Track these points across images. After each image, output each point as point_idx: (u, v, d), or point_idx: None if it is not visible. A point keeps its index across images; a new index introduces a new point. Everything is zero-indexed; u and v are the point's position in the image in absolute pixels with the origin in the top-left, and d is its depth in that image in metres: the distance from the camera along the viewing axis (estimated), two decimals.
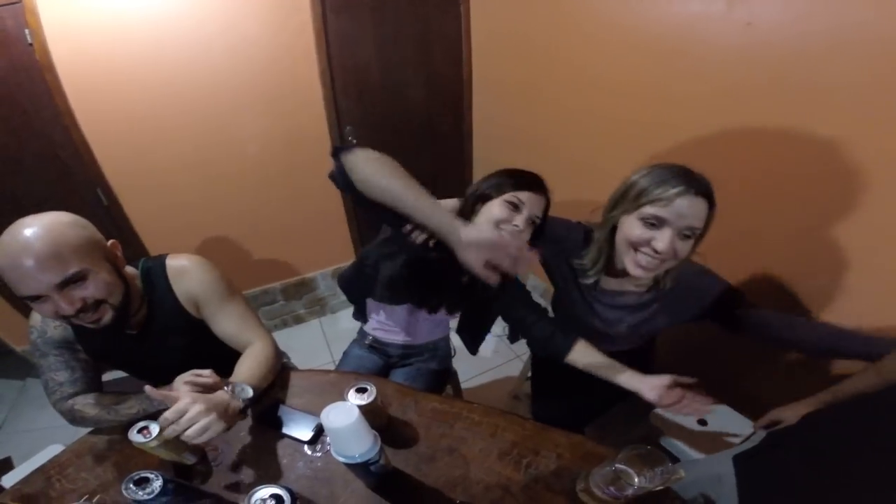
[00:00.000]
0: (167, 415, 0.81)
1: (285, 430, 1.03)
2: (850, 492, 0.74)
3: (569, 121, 1.90)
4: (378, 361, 1.58)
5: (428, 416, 1.07)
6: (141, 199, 2.04)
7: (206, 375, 1.01)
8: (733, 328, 1.04)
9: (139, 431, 0.85)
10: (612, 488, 0.78)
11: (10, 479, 1.61)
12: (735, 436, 1.40)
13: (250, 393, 0.97)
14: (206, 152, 2.05)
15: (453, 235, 0.84)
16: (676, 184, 0.90)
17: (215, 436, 0.84)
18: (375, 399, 0.94)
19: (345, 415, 0.72)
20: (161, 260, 1.14)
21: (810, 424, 0.93)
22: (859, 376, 0.93)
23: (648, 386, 1.03)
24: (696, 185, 0.90)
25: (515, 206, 1.06)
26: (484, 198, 1.10)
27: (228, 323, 1.15)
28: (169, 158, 1.99)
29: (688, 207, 0.89)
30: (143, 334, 1.11)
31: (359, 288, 1.49)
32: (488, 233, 0.83)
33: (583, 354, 1.15)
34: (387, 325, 1.55)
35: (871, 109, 1.03)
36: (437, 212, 0.87)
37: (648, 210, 0.93)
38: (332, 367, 2.45)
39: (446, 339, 1.67)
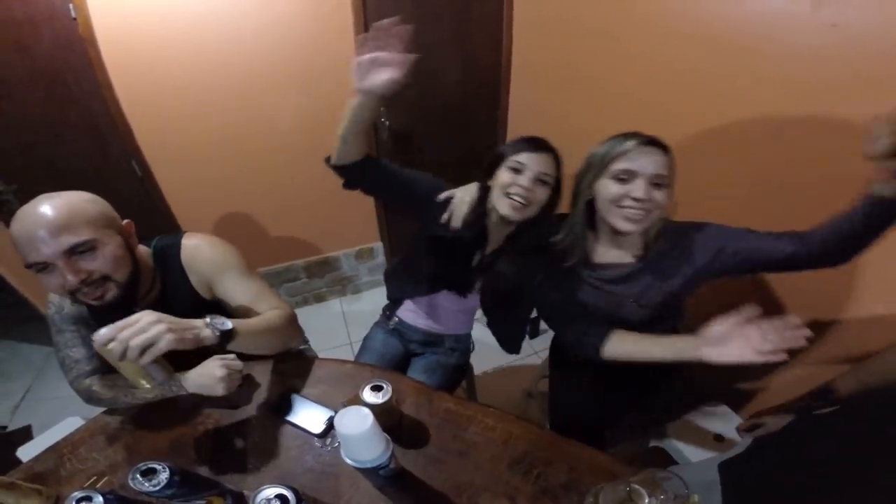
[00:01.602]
0: (105, 330, 0.74)
1: (297, 421, 1.03)
2: (833, 499, 0.74)
3: (613, 113, 1.81)
4: (399, 348, 1.58)
5: (441, 416, 1.05)
6: (173, 172, 2.06)
7: (234, 360, 1.02)
8: (734, 267, 1.04)
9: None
10: None
11: (26, 451, 1.64)
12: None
13: (229, 325, 0.88)
14: (238, 129, 2.05)
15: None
16: (630, 138, 1.00)
17: (157, 354, 0.74)
18: (390, 399, 0.92)
19: (359, 421, 0.71)
20: (177, 239, 1.12)
21: (793, 432, 0.92)
22: (840, 380, 0.97)
23: (703, 342, 0.89)
24: (648, 137, 1.00)
25: (517, 170, 1.13)
26: (490, 170, 1.19)
27: (242, 298, 1.11)
28: (202, 133, 2.00)
29: (648, 156, 0.98)
30: None
31: (402, 283, 1.52)
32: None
33: (619, 343, 1.09)
34: (416, 310, 1.55)
35: None
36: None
37: (616, 167, 1.00)
38: (349, 349, 2.49)
39: (468, 335, 1.65)
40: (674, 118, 1.53)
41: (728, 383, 1.60)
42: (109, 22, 1.65)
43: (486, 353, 1.91)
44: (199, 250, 1.11)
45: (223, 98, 1.95)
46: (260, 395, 1.11)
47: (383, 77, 0.97)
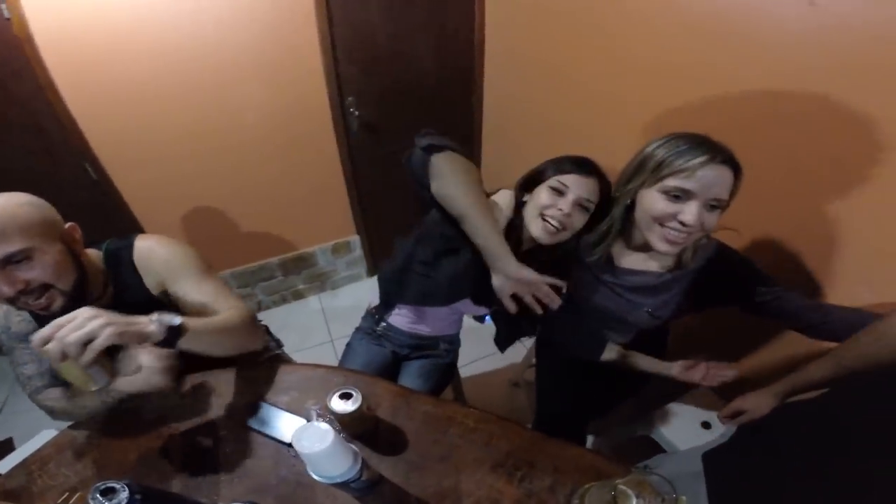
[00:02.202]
0: (45, 328, 0.69)
1: (267, 430, 0.99)
2: (817, 489, 0.73)
3: (591, 100, 1.76)
4: (387, 355, 1.49)
5: (419, 419, 1.01)
6: (132, 173, 1.95)
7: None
8: (758, 309, 1.03)
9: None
10: None
11: (7, 464, 1.58)
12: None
13: (177, 321, 0.83)
14: (200, 124, 1.95)
15: (500, 263, 0.98)
16: (700, 153, 0.85)
17: (98, 349, 0.70)
18: (361, 406, 0.87)
19: (318, 438, 0.65)
20: (129, 241, 1.07)
21: (775, 421, 0.91)
22: (817, 365, 0.93)
23: (677, 367, 1.13)
24: (721, 153, 0.86)
25: (559, 192, 1.04)
26: (529, 185, 1.10)
27: (199, 298, 1.05)
28: (161, 131, 1.90)
29: (713, 178, 0.85)
30: None
31: (401, 288, 1.34)
32: (531, 275, 0.94)
33: (610, 354, 1.21)
34: (408, 315, 1.45)
35: None
36: (493, 238, 0.99)
37: (671, 182, 0.88)
38: (331, 346, 2.44)
39: (458, 334, 1.60)
40: (653, 106, 1.49)
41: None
42: (48, 19, 1.54)
43: (469, 346, 1.87)
44: (153, 252, 1.06)
45: (182, 93, 1.85)
46: (228, 405, 1.06)
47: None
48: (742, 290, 1.02)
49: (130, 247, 1.06)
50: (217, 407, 1.06)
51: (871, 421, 0.70)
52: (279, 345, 1.57)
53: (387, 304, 1.46)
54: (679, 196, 0.88)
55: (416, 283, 1.28)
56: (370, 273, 2.87)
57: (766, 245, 1.29)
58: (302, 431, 0.66)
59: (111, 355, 0.74)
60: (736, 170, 0.88)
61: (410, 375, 1.46)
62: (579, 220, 1.06)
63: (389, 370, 1.47)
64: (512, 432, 0.96)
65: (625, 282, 1.10)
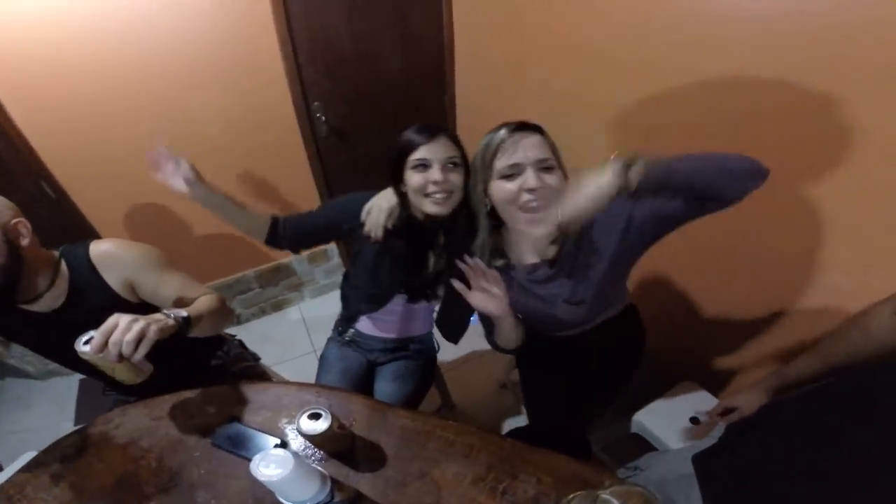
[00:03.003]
0: (96, 337, 0.80)
1: (241, 452, 0.96)
2: (810, 488, 0.72)
3: (563, 97, 1.73)
4: (361, 359, 1.49)
5: (397, 435, 0.98)
6: (93, 190, 1.88)
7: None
8: (654, 233, 0.97)
9: (86, 343, 0.82)
10: None
11: None
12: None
13: (184, 314, 0.96)
14: (161, 132, 1.86)
15: None
16: (499, 129, 0.95)
17: (152, 343, 0.83)
18: (331, 426, 0.83)
19: (277, 465, 0.62)
20: (84, 246, 1.09)
21: (766, 421, 0.88)
22: (804, 360, 0.93)
23: None
24: (516, 123, 0.96)
25: (423, 166, 1.08)
26: (397, 176, 1.14)
27: (171, 291, 1.11)
28: (117, 145, 1.82)
29: (525, 143, 0.93)
30: (59, 317, 1.06)
31: (352, 299, 1.46)
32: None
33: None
34: (372, 319, 1.46)
35: None
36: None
37: (500, 164, 0.94)
38: (314, 356, 2.39)
39: (430, 335, 1.58)
40: (621, 100, 1.48)
41: (699, 364, 1.57)
42: None
43: (452, 350, 1.85)
44: (113, 252, 1.09)
45: (141, 104, 1.78)
46: (201, 426, 1.04)
47: (180, 178, 1.14)
48: (622, 231, 0.97)
49: (85, 249, 1.07)
50: (190, 428, 1.03)
51: (862, 418, 0.68)
52: (255, 358, 1.53)
53: (349, 318, 1.49)
54: (512, 173, 0.94)
55: (358, 294, 1.40)
56: None
57: (742, 235, 1.28)
58: (259, 460, 0.62)
59: None
60: (538, 130, 0.97)
61: (385, 379, 1.44)
62: (457, 177, 1.09)
63: (366, 376, 1.47)
64: (492, 444, 0.93)
65: (531, 277, 1.09)
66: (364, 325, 1.48)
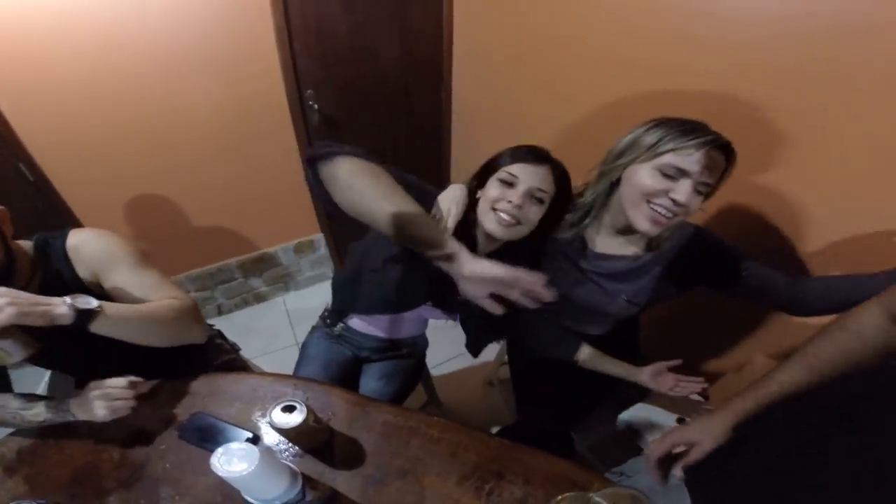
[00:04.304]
0: None
1: (210, 445, 0.90)
2: (801, 495, 0.67)
3: (563, 92, 1.70)
4: (347, 355, 1.41)
5: (378, 430, 0.93)
6: (74, 174, 1.80)
7: (120, 385, 0.94)
8: (734, 288, 1.00)
9: None
10: None
11: None
12: None
13: (93, 304, 0.83)
14: (149, 121, 1.81)
15: (455, 263, 0.77)
16: (701, 134, 0.85)
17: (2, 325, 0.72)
18: (306, 419, 0.78)
19: (240, 460, 0.56)
20: (63, 232, 1.02)
21: (755, 428, 0.80)
22: (786, 371, 0.77)
23: (648, 374, 1.10)
24: (720, 138, 0.86)
25: (509, 183, 0.97)
26: (482, 179, 1.03)
27: (134, 289, 1.01)
28: (105, 128, 1.75)
29: (710, 160, 0.85)
30: None
31: (354, 297, 1.29)
32: (496, 270, 0.74)
33: (583, 354, 1.16)
34: (367, 319, 1.37)
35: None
36: (433, 236, 0.80)
37: (668, 159, 0.87)
38: (296, 349, 2.30)
39: (424, 335, 1.52)
40: (620, 96, 1.45)
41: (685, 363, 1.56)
42: None
43: (441, 345, 1.80)
44: (87, 242, 1.01)
45: (128, 88, 1.71)
46: (168, 417, 0.99)
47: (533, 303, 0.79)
48: (719, 268, 1.00)
49: (64, 237, 1.01)
50: (156, 419, 0.98)
51: (852, 425, 0.64)
52: (235, 349, 1.46)
53: (339, 312, 1.40)
54: (673, 175, 0.87)
55: (366, 293, 1.23)
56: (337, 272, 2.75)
57: (734, 230, 1.25)
58: (221, 454, 0.57)
59: (32, 334, 0.78)
60: (729, 157, 0.88)
61: (372, 377, 1.37)
62: (534, 213, 0.98)
63: (350, 372, 1.39)
64: (479, 441, 0.89)
65: (600, 268, 1.06)
66: (357, 321, 1.39)
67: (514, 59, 1.87)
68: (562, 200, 1.02)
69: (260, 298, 2.63)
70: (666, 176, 0.87)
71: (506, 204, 0.95)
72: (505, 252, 1.07)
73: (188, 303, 1.03)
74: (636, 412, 1.43)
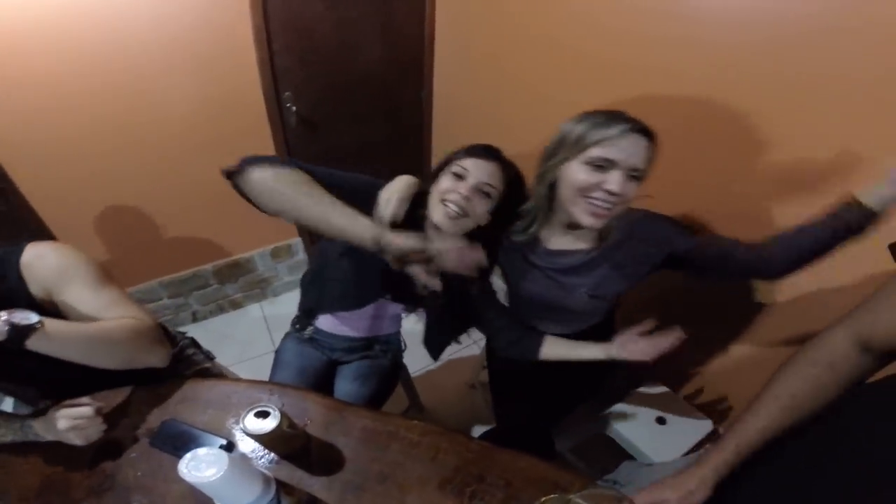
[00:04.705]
0: None
1: (182, 453, 0.83)
2: None
3: (543, 94, 1.72)
4: (321, 357, 1.40)
5: (357, 435, 0.91)
6: (40, 174, 1.73)
7: (84, 403, 0.90)
8: (693, 262, 1.01)
9: None
10: None
11: None
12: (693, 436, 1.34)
13: (32, 320, 0.77)
14: (120, 118, 1.75)
15: (382, 243, 0.88)
16: (620, 122, 0.87)
17: None
18: (280, 425, 0.76)
19: (209, 466, 0.54)
20: (19, 247, 0.94)
21: (755, 456, 0.75)
22: (762, 418, 0.72)
23: (617, 345, 1.05)
24: (638, 124, 0.88)
25: (459, 176, 1.01)
26: (437, 173, 1.07)
27: (88, 308, 0.94)
28: (73, 126, 1.69)
29: (633, 146, 0.87)
30: None
31: (319, 295, 1.33)
32: (411, 241, 0.85)
33: (551, 348, 1.13)
34: (339, 315, 1.37)
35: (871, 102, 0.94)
36: (351, 223, 0.91)
37: (595, 152, 0.88)
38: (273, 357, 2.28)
39: (398, 334, 1.51)
40: (600, 98, 1.46)
41: (664, 365, 1.58)
42: None
43: (420, 350, 1.78)
44: (42, 258, 0.93)
45: (98, 84, 1.65)
46: (139, 425, 0.96)
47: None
48: (673, 246, 1.00)
49: (19, 252, 0.93)
50: (126, 427, 0.95)
51: (851, 441, 0.63)
52: (209, 357, 1.42)
53: (308, 312, 1.40)
54: (602, 166, 0.88)
55: (328, 289, 1.28)
56: None
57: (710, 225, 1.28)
58: (189, 460, 0.55)
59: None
60: (651, 140, 0.90)
61: (346, 379, 1.36)
62: (481, 206, 1.02)
63: (325, 375, 1.39)
64: (459, 444, 0.88)
65: (556, 264, 1.06)
66: (326, 322, 1.39)
67: (494, 59, 1.88)
68: (512, 200, 1.06)
69: (236, 305, 2.57)
70: (596, 168, 0.89)
71: (455, 195, 0.99)
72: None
73: (147, 323, 0.97)
74: (616, 416, 1.44)
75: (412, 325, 1.44)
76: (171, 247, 2.18)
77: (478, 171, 1.00)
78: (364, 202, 1.06)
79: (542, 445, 1.33)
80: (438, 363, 2.19)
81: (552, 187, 0.97)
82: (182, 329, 1.40)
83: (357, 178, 1.07)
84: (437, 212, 1.02)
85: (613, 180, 0.87)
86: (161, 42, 1.68)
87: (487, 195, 1.02)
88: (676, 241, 0.99)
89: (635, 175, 0.89)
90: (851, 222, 0.85)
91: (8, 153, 1.64)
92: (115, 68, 1.66)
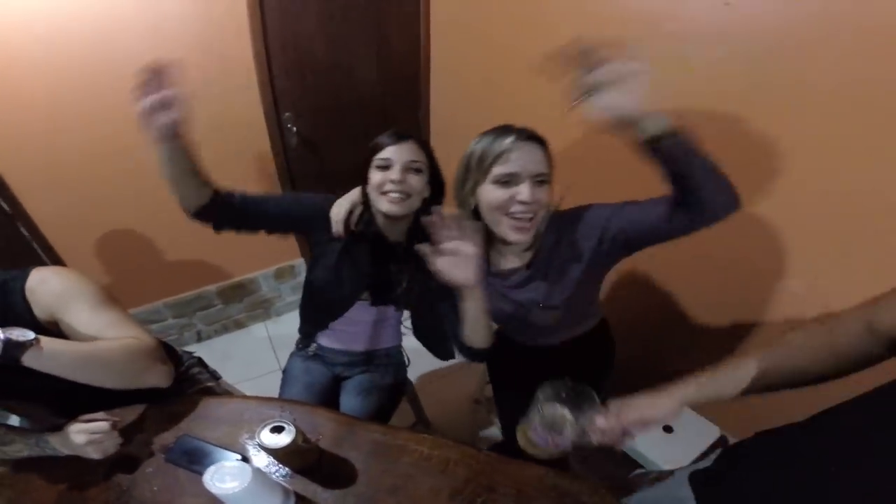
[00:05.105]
0: None
1: (197, 468, 0.89)
2: None
3: (541, 112, 1.72)
4: (326, 373, 1.43)
5: (367, 449, 0.92)
6: (46, 199, 1.77)
7: (100, 418, 0.91)
8: (627, 234, 0.96)
9: None
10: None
11: None
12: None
13: (28, 337, 0.78)
14: (121, 141, 1.77)
15: None
16: (505, 136, 0.92)
17: None
18: (295, 439, 0.78)
19: (232, 478, 0.56)
20: (25, 272, 0.98)
21: (764, 443, 0.81)
22: (760, 359, 0.77)
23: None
24: (522, 132, 0.94)
25: (385, 167, 1.11)
26: (364, 175, 1.15)
27: (88, 330, 0.95)
28: (79, 150, 1.73)
29: (527, 154, 0.92)
30: None
31: (314, 313, 1.43)
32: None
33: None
34: (334, 333, 1.41)
35: (853, 106, 0.97)
36: None
37: (498, 170, 0.92)
38: (279, 375, 2.27)
39: (399, 348, 1.53)
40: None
41: (663, 372, 1.58)
42: None
43: (424, 365, 1.79)
44: (45, 282, 0.96)
45: (100, 108, 1.70)
46: (154, 441, 0.97)
47: (165, 120, 0.94)
48: (597, 225, 0.98)
49: (25, 277, 0.96)
50: (141, 442, 0.97)
51: (858, 444, 0.64)
52: (215, 377, 1.43)
53: (307, 335, 1.47)
54: (508, 181, 0.92)
55: (316, 304, 1.37)
56: None
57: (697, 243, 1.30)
58: (214, 472, 0.56)
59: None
60: (542, 144, 0.95)
61: (349, 394, 1.39)
62: (418, 182, 1.12)
63: (332, 391, 1.42)
64: (468, 456, 0.89)
65: (508, 283, 1.09)
66: (326, 339, 1.43)
67: (490, 80, 1.92)
68: (436, 169, 1.18)
69: (240, 325, 2.58)
70: (504, 184, 0.92)
71: (389, 184, 1.09)
72: (417, 236, 1.18)
73: (147, 342, 0.99)
74: None
75: (415, 342, 1.46)
76: (175, 268, 2.20)
77: (399, 154, 1.10)
78: (310, 225, 1.21)
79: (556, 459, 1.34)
80: (441, 378, 2.22)
81: (476, 213, 1.00)
82: (188, 349, 1.42)
83: (301, 204, 1.21)
84: (381, 203, 1.11)
85: (523, 191, 0.91)
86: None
87: (418, 171, 1.12)
88: (603, 218, 0.97)
89: (541, 180, 0.93)
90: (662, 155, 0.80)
91: (17, 178, 1.69)
92: (116, 91, 1.67)
